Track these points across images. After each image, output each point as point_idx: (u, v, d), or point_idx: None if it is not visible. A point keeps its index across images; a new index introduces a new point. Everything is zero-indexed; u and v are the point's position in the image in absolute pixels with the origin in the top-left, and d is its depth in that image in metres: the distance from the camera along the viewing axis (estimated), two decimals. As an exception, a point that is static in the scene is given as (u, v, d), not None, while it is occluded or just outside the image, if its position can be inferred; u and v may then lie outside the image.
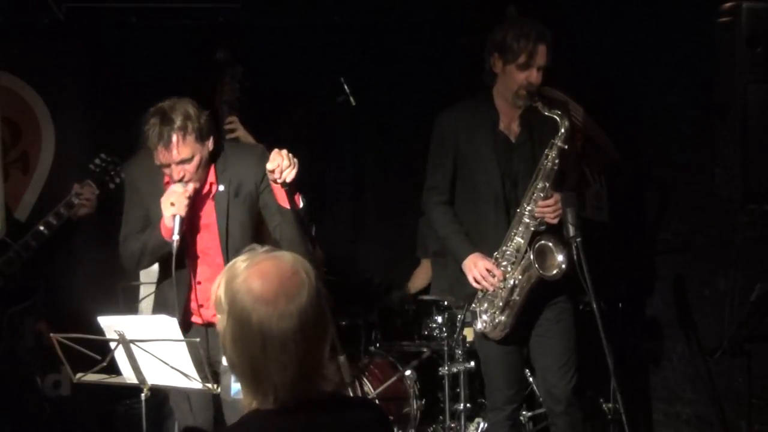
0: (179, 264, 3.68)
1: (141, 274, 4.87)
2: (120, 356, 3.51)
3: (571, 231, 3.90)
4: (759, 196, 3.92)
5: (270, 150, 3.56)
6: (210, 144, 3.73)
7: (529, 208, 4.03)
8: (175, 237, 3.62)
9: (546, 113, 4.00)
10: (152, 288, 4.67)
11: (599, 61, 5.23)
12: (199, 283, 3.83)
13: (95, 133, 5.56)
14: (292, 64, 5.79)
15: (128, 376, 3.57)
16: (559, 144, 4.00)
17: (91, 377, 3.59)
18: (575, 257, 3.88)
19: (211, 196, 3.81)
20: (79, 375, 3.59)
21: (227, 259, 3.69)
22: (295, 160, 3.49)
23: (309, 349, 2.04)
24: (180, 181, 3.66)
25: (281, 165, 3.46)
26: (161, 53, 5.51)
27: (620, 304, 5.07)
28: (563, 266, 4.00)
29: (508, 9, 5.41)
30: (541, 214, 4.01)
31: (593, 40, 5.20)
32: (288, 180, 3.49)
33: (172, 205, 3.61)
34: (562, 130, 4.00)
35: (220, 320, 2.07)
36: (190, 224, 3.77)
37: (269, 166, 3.50)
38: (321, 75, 5.61)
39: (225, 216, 3.79)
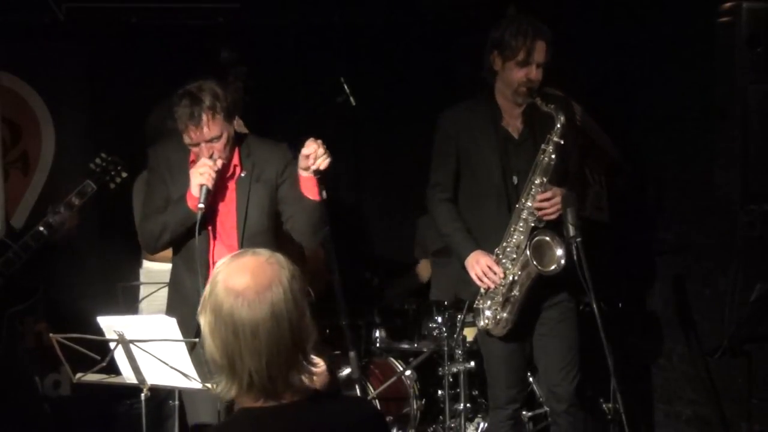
0: (201, 243, 3.77)
1: (141, 274, 4.86)
2: (120, 356, 3.51)
3: (571, 231, 3.90)
4: (759, 196, 3.93)
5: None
6: (236, 123, 3.84)
7: (527, 203, 4.04)
8: (201, 206, 3.70)
9: (544, 109, 4.01)
10: (152, 288, 4.68)
11: (599, 60, 5.23)
12: (216, 263, 3.88)
13: (95, 133, 5.56)
14: (292, 64, 5.79)
15: (128, 376, 3.57)
16: (555, 139, 4.00)
17: (91, 377, 3.58)
18: (575, 257, 3.89)
19: (234, 178, 3.90)
20: (79, 375, 3.58)
21: (241, 242, 3.82)
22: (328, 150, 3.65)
23: (283, 339, 2.08)
24: (210, 158, 3.75)
25: (317, 151, 3.62)
26: (161, 53, 5.51)
27: (620, 304, 5.07)
28: (562, 261, 3.99)
29: (508, 9, 5.41)
30: (539, 208, 4.01)
31: (593, 40, 5.20)
32: (321, 168, 3.65)
33: (201, 175, 3.70)
34: (558, 125, 4.00)
35: (201, 318, 2.14)
36: (212, 205, 3.83)
37: (305, 151, 3.65)
38: (321, 75, 5.61)
39: (245, 199, 3.87)
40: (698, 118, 4.61)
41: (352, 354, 3.60)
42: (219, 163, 3.76)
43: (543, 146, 4.02)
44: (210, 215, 3.85)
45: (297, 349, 2.11)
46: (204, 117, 3.69)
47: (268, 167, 3.89)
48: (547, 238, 4.02)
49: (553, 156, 4.01)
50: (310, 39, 5.80)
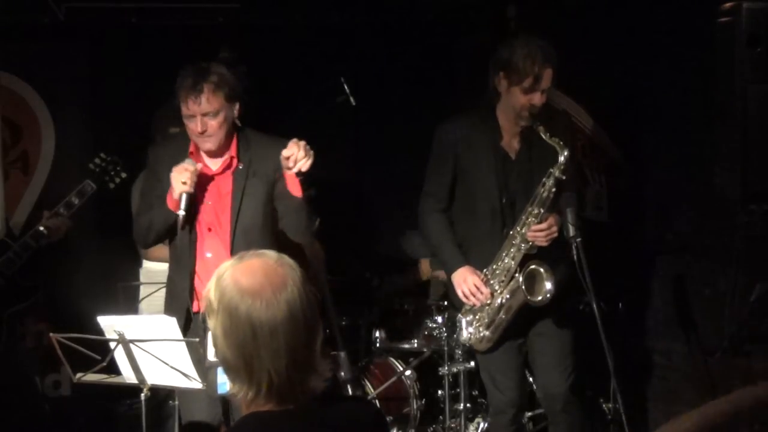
0: (188, 237, 3.82)
1: (141, 274, 4.86)
2: (120, 356, 3.51)
3: (571, 231, 3.91)
4: (759, 196, 3.92)
5: None
6: (237, 109, 3.86)
7: (521, 231, 4.04)
8: (181, 213, 3.71)
9: (548, 141, 3.98)
10: (152, 288, 4.68)
11: (599, 60, 5.22)
12: (205, 256, 3.90)
13: (95, 133, 5.56)
14: (292, 64, 5.79)
15: (128, 376, 3.57)
16: (557, 174, 3.99)
17: (91, 377, 3.59)
18: (575, 257, 3.89)
19: (231, 170, 3.90)
20: (79, 375, 3.59)
21: (234, 235, 3.83)
22: (311, 152, 3.66)
23: (300, 339, 2.07)
24: (202, 134, 3.77)
25: (296, 155, 3.63)
26: (161, 53, 5.51)
27: (620, 304, 5.07)
28: (549, 295, 4.01)
29: (508, 9, 5.41)
30: (533, 239, 4.02)
31: (593, 40, 5.20)
32: (303, 170, 3.66)
33: (184, 183, 3.70)
34: (561, 159, 3.97)
35: (210, 321, 2.11)
36: (205, 196, 3.86)
37: (285, 153, 3.67)
38: (321, 75, 5.61)
39: (240, 192, 3.87)
40: (698, 118, 4.61)
41: (342, 354, 3.62)
42: (200, 167, 3.77)
43: (544, 179, 4.00)
44: (203, 206, 3.88)
45: (310, 350, 2.10)
46: (206, 89, 3.72)
47: (265, 162, 3.89)
48: (541, 270, 4.02)
49: (552, 190, 3.99)
50: (310, 39, 5.80)
